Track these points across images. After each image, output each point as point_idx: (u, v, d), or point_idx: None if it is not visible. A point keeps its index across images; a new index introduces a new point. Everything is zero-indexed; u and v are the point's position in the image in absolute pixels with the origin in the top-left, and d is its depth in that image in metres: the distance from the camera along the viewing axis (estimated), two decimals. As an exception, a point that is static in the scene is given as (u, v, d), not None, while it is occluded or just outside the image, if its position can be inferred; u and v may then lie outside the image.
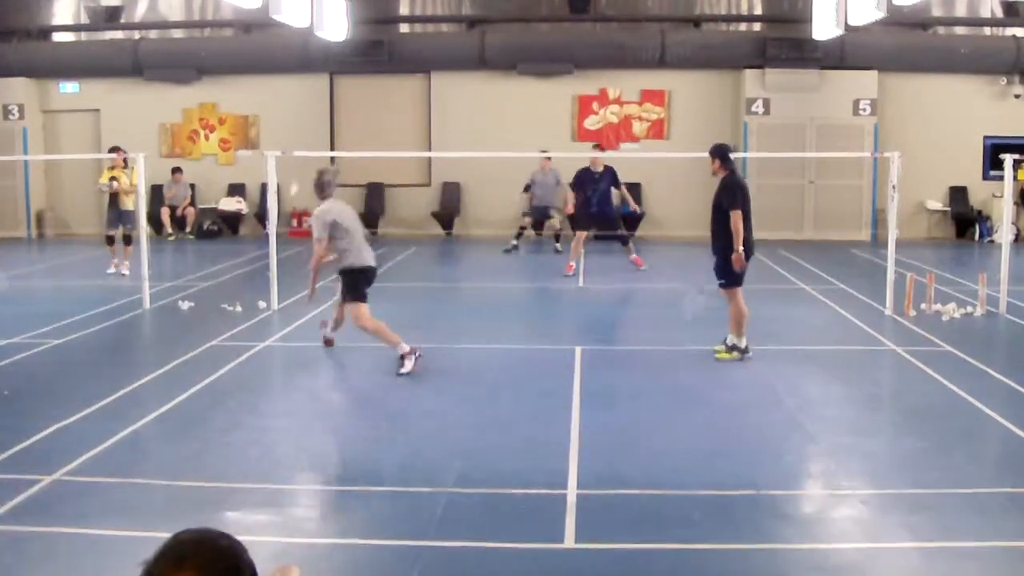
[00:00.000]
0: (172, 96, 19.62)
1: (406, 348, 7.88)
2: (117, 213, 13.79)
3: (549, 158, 16.03)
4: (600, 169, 13.62)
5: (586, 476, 5.43)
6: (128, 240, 13.73)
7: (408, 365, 7.82)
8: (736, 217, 7.94)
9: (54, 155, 19.61)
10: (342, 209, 8.21)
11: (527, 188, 16.71)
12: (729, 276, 8.15)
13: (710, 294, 8.41)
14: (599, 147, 14.47)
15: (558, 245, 16.30)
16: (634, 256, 13.90)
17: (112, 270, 13.76)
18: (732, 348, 8.25)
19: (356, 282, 8.11)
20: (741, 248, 7.97)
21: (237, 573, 1.89)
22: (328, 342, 8.86)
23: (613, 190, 13.93)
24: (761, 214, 17.96)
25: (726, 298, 8.33)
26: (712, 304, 8.62)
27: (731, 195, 8.04)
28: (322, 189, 8.15)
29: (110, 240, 13.88)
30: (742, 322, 8.17)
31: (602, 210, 13.66)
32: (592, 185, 13.55)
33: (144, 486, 5.32)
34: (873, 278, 12.30)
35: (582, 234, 13.75)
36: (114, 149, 13.88)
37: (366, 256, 8.17)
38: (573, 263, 13.73)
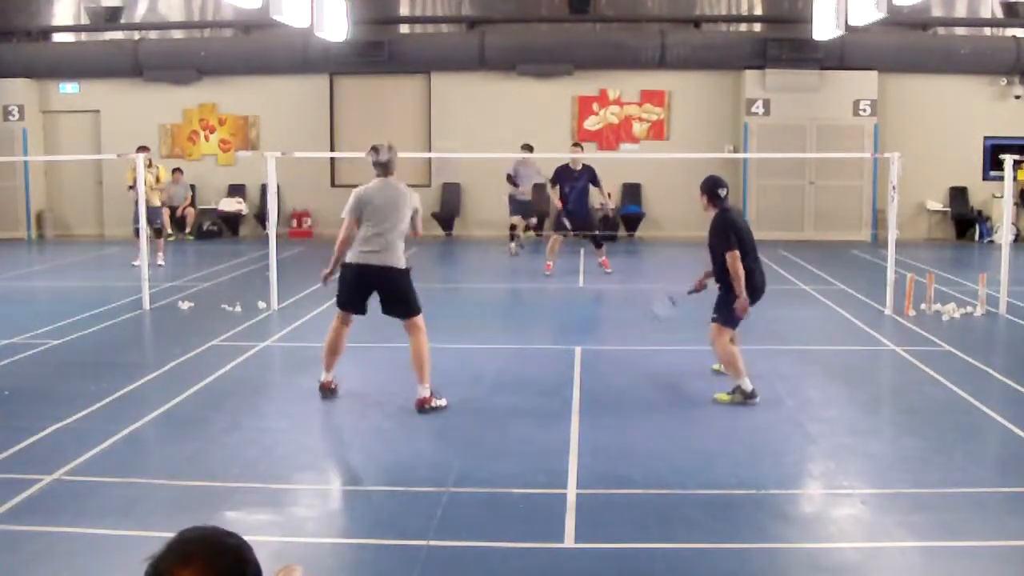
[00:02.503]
0: (172, 97, 19.62)
1: (328, 378, 7.25)
2: (146, 210, 14.19)
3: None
4: (579, 168, 13.61)
5: (586, 476, 5.43)
6: (157, 234, 14.94)
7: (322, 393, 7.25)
8: (733, 259, 6.93)
9: (54, 156, 19.62)
10: (375, 191, 6.98)
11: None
12: (723, 313, 7.11)
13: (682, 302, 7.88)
14: (578, 146, 14.43)
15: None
16: (603, 258, 13.96)
17: (159, 262, 14.72)
18: (734, 390, 7.09)
19: (339, 281, 7.19)
20: (744, 294, 6.94)
21: (242, 572, 1.89)
22: (326, 387, 7.29)
23: (592, 189, 13.83)
24: (761, 214, 18.35)
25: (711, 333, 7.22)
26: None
27: (723, 237, 7.03)
28: (375, 167, 7.11)
29: (157, 233, 14.93)
30: (734, 363, 7.05)
31: (578, 208, 13.62)
32: (570, 183, 13.54)
33: (144, 486, 5.32)
34: (873, 278, 12.30)
35: (558, 236, 13.79)
36: (142, 149, 14.16)
37: (355, 252, 6.98)
38: (551, 263, 13.74)
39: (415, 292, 7.08)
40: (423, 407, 6.83)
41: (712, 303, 7.26)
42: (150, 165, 14.24)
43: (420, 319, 7.04)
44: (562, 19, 19.40)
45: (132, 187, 14.35)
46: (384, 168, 7.01)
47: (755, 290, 7.13)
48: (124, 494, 5.18)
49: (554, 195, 13.91)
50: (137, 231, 14.44)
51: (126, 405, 6.92)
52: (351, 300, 7.06)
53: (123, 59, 19.17)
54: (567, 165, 13.73)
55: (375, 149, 7.04)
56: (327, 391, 7.23)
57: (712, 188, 7.25)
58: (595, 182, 13.67)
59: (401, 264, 6.93)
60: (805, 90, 18.42)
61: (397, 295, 6.99)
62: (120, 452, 5.91)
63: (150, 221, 14.15)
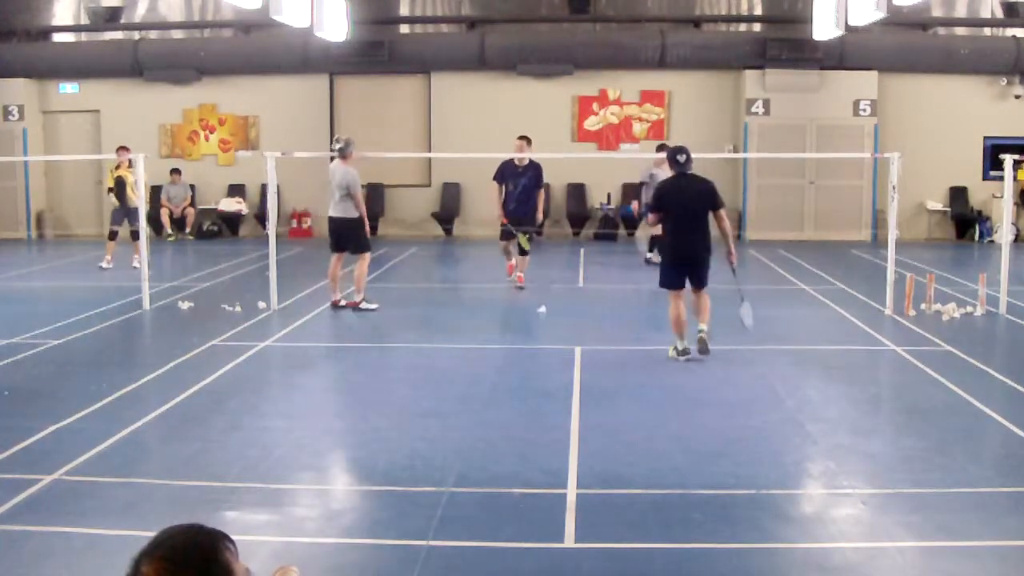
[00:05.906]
0: (172, 97, 19.61)
1: (335, 297, 10.89)
2: (125, 210, 14.26)
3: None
4: (525, 163, 12.40)
5: (586, 476, 5.43)
6: (135, 236, 14.19)
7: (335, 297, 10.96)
8: (649, 218, 8.86)
9: (54, 156, 19.61)
10: (332, 170, 10.71)
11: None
12: (660, 277, 8.58)
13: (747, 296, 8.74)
14: (525, 139, 12.62)
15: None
16: (519, 274, 12.57)
17: (106, 264, 14.36)
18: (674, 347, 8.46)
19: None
20: (640, 233, 8.44)
21: (207, 569, 1.89)
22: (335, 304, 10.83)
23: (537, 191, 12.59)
24: (761, 214, 18.38)
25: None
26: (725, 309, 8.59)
27: (652, 197, 8.77)
28: (338, 152, 10.81)
29: (113, 236, 14.56)
30: (675, 323, 8.37)
31: (519, 207, 12.37)
32: (513, 180, 12.39)
33: (144, 486, 5.32)
34: (873, 278, 12.30)
35: (506, 244, 12.67)
36: (122, 149, 14.23)
37: (329, 212, 10.81)
38: (512, 263, 12.74)
39: (365, 237, 10.89)
40: (351, 307, 10.70)
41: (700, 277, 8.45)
42: (130, 165, 13.95)
43: (367, 254, 10.95)
44: (562, 19, 19.39)
45: (111, 190, 14.38)
46: (340, 152, 10.60)
47: (674, 255, 8.42)
48: (124, 494, 5.18)
49: (495, 195, 12.54)
50: (112, 234, 14.59)
51: (126, 405, 6.92)
52: (332, 242, 10.89)
53: (123, 59, 19.16)
54: (511, 160, 12.50)
55: (338, 139, 10.82)
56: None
57: (671, 155, 8.55)
58: (539, 183, 12.48)
59: (353, 215, 10.64)
60: (805, 90, 18.41)
61: (349, 235, 10.74)
62: (120, 452, 5.90)
63: (132, 221, 14.08)
